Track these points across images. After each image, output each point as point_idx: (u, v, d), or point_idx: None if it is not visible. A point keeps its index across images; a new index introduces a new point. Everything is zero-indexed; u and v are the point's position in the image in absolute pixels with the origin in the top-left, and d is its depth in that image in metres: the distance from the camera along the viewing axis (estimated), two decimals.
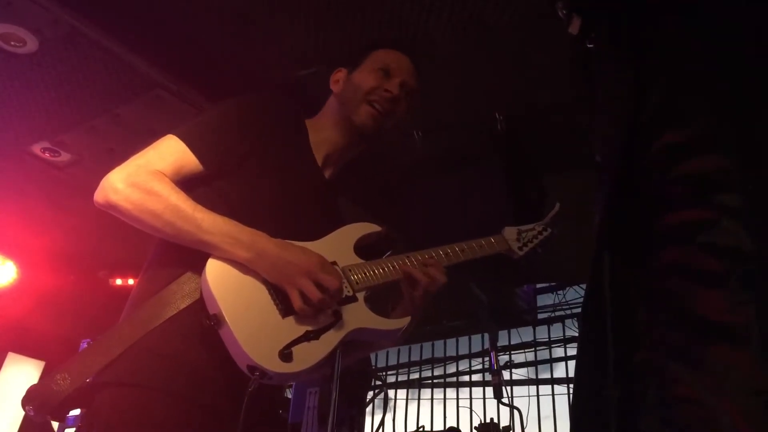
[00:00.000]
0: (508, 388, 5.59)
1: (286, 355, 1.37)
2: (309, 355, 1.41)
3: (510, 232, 1.95)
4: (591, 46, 1.26)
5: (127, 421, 1.37)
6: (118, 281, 5.30)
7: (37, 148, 3.80)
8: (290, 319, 1.44)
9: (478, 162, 3.61)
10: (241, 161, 1.62)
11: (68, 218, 4.53)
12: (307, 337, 1.41)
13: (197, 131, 1.61)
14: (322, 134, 1.84)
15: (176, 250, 1.50)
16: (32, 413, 1.38)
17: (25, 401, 1.39)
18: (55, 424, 5.45)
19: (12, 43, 2.94)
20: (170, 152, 1.55)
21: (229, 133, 1.64)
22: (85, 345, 5.26)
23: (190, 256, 1.47)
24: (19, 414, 5.31)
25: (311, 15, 2.79)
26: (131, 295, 1.58)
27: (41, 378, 1.48)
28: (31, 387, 1.40)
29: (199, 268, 1.46)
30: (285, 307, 1.45)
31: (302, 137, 1.82)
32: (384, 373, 6.57)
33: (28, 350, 5.61)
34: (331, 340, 1.46)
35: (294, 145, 1.78)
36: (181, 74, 3.18)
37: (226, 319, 1.37)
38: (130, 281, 5.26)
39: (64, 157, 3.88)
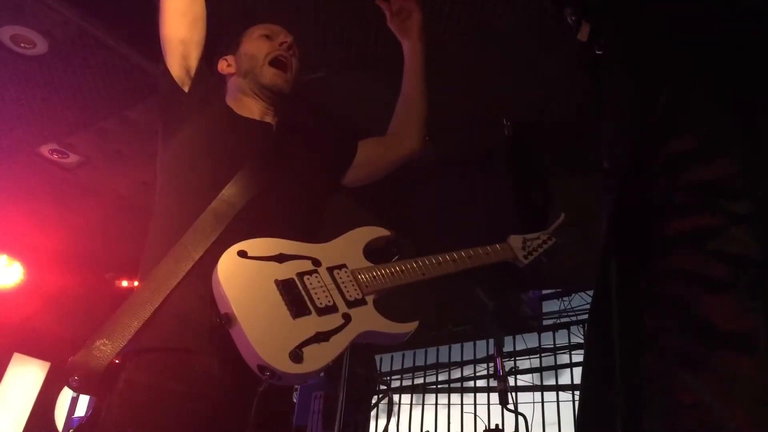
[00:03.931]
0: (513, 394, 5.61)
1: (296, 355, 1.37)
2: (319, 356, 1.42)
3: (515, 241, 1.97)
4: (599, 52, 1.27)
5: (170, 379, 1.39)
6: (125, 283, 5.31)
7: (45, 150, 3.83)
8: (301, 321, 1.45)
9: (484, 167, 3.61)
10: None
11: (75, 220, 4.54)
12: (317, 339, 1.42)
13: None
14: (245, 107, 1.89)
15: (173, 234, 1.57)
16: (75, 384, 1.36)
17: (69, 371, 1.37)
18: (60, 424, 5.47)
19: (22, 44, 2.96)
20: None
21: None
22: None
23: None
24: (25, 413, 5.32)
25: (317, 21, 2.79)
26: (141, 263, 1.68)
27: (82, 349, 1.43)
28: (72, 358, 1.37)
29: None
30: (296, 308, 1.46)
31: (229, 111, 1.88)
32: (389, 378, 6.57)
33: (34, 351, 5.61)
34: (340, 342, 1.47)
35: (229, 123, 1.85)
36: None
37: (238, 318, 1.37)
38: (137, 283, 5.25)
39: (72, 158, 3.90)
